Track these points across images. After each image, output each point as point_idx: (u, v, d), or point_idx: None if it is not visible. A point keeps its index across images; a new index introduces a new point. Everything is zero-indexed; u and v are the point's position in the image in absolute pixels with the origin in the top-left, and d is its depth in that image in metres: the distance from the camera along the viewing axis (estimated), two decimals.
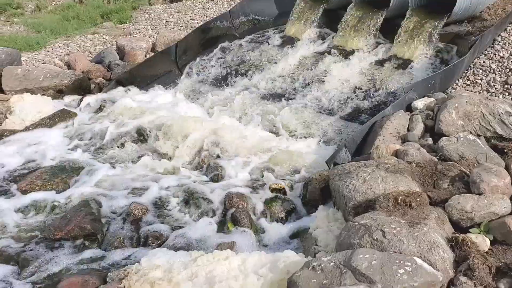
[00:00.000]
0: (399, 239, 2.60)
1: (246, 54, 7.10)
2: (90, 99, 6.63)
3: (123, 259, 3.53)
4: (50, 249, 3.69)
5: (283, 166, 4.59)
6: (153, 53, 7.99)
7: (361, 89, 5.78)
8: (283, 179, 4.40)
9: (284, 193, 4.22)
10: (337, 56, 6.53)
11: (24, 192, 4.51)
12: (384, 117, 4.48)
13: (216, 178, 4.55)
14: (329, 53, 6.65)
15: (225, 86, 6.50)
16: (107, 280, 3.04)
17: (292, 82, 6.25)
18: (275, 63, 6.69)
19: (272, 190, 4.24)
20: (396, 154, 3.78)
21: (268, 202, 4.09)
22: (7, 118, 6.45)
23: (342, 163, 3.93)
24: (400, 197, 3.05)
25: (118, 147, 5.33)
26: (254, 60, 6.96)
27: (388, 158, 3.65)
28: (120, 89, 6.84)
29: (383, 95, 5.57)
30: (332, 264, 2.48)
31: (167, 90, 6.83)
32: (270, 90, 6.22)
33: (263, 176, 4.49)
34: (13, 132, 6.01)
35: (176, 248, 3.54)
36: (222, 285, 2.71)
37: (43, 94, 6.84)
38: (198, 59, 7.19)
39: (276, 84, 6.28)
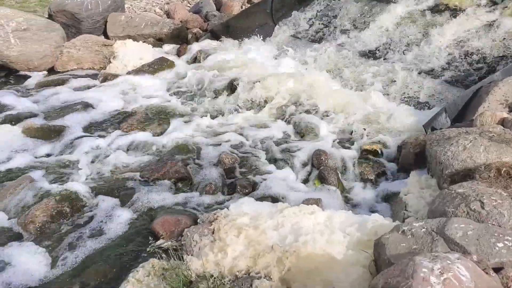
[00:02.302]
0: (499, 211, 2.45)
1: (344, 9, 6.84)
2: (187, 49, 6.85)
3: (212, 204, 3.68)
4: (147, 188, 3.92)
5: (376, 127, 4.46)
6: (249, 5, 7.96)
7: (467, 51, 5.36)
8: (375, 141, 4.29)
9: (376, 154, 4.12)
10: (442, 14, 6.07)
11: (125, 133, 4.82)
12: (491, 83, 4.15)
13: (305, 134, 4.53)
14: (433, 10, 6.19)
15: (320, 41, 6.37)
16: (198, 221, 3.18)
17: (391, 40, 5.95)
18: (375, 19, 6.38)
19: (363, 150, 4.15)
20: (503, 123, 3.51)
21: (358, 163, 4.03)
22: (111, 62, 6.85)
23: (441, 128, 3.73)
24: (504, 169, 2.85)
25: (212, 97, 5.47)
26: (352, 15, 6.69)
27: (493, 127, 3.41)
28: (216, 40, 6.94)
29: (491, 59, 5.13)
30: (423, 230, 2.40)
31: (261, 42, 6.83)
32: (368, 47, 5.99)
33: (354, 136, 4.41)
34: (116, 76, 6.38)
35: (262, 198, 3.63)
36: (307, 238, 2.74)
37: (144, 42, 7.15)
38: (294, 12, 7.06)
39: (374, 41, 6.02)
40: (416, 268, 1.80)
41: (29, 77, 7.03)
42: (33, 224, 3.38)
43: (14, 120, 5.20)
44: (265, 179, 3.92)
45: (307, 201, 3.37)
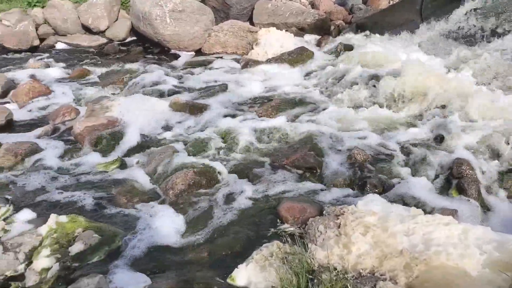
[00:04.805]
0: None
1: (504, 9, 6.24)
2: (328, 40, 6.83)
3: (338, 197, 3.64)
4: (275, 172, 4.02)
5: None
6: (398, 0, 7.68)
7: None
8: None
9: None
10: None
11: (260, 118, 4.98)
12: None
13: (445, 139, 4.26)
14: None
15: (474, 43, 5.90)
16: (324, 213, 3.18)
17: None
18: None
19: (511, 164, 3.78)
20: None
21: (503, 177, 3.69)
22: (253, 48, 7.11)
23: None
24: None
25: (349, 90, 5.39)
26: None
27: None
28: (358, 34, 6.82)
29: None
30: None
31: (406, 40, 6.55)
32: None
33: (501, 147, 4.03)
34: (256, 62, 6.61)
35: (392, 200, 3.51)
36: (439, 249, 2.59)
37: (287, 30, 7.29)
38: (446, 10, 6.63)
39: None
40: None
41: (179, 56, 7.64)
42: (173, 190, 3.68)
43: (163, 94, 5.69)
44: (397, 181, 3.77)
45: (442, 211, 3.18)
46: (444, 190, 3.69)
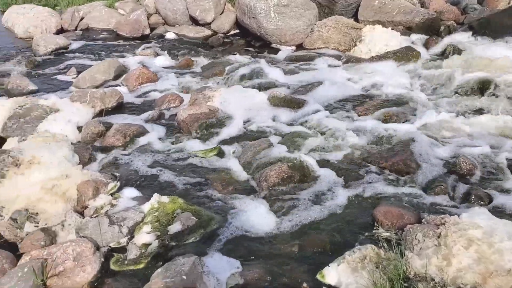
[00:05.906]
0: None
1: None
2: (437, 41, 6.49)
3: (439, 207, 3.45)
4: (371, 174, 3.90)
5: None
6: None
7: None
8: None
9: None
10: None
11: (360, 116, 4.87)
12: None
13: None
14: None
15: None
16: (423, 221, 3.03)
17: None
18: None
19: None
20: None
21: None
22: (356, 45, 6.96)
23: None
24: None
25: (457, 95, 5.09)
26: None
27: None
28: (471, 36, 6.41)
29: None
30: None
31: None
32: None
33: None
34: (359, 59, 6.46)
35: (499, 215, 3.25)
36: None
37: (393, 29, 7.03)
38: None
39: None
40: None
41: (279, 50, 7.68)
42: (266, 182, 3.71)
43: (263, 87, 5.76)
44: (506, 195, 3.50)
45: None
46: None
